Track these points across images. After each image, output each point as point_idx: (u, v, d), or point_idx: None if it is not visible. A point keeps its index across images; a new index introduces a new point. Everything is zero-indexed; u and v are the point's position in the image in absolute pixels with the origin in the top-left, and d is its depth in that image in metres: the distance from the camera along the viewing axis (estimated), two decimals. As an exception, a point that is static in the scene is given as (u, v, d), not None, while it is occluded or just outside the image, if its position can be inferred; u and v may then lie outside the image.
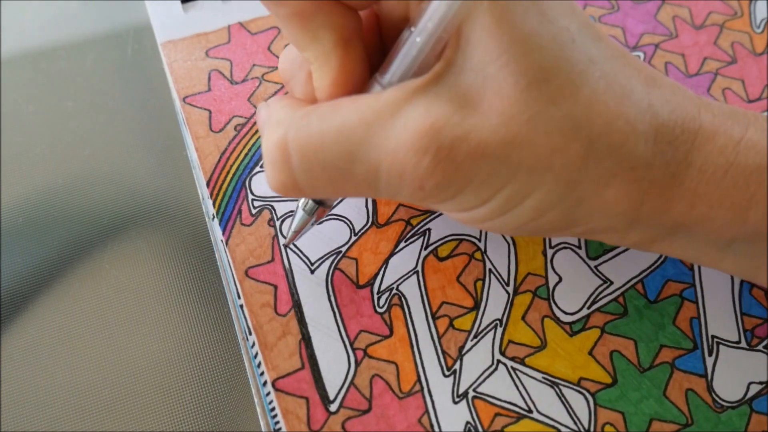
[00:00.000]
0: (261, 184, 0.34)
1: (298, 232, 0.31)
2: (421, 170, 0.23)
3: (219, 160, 0.35)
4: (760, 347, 0.31)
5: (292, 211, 0.33)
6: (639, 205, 0.25)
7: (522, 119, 0.23)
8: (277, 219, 0.33)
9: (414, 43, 0.23)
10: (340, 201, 0.34)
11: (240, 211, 0.33)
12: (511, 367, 0.30)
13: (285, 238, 0.33)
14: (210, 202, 0.34)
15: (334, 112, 0.24)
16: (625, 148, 0.24)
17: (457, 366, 0.30)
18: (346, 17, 0.25)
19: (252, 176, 0.34)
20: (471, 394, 0.30)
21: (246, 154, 0.35)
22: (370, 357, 0.30)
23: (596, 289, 0.32)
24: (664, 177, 0.24)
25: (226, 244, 0.33)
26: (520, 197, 0.24)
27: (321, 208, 0.30)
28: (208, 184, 0.34)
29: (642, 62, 0.26)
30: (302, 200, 0.30)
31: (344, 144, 0.24)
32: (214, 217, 0.33)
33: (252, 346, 0.31)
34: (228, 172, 0.34)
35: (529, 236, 0.33)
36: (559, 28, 0.23)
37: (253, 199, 0.34)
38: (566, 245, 0.33)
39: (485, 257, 0.32)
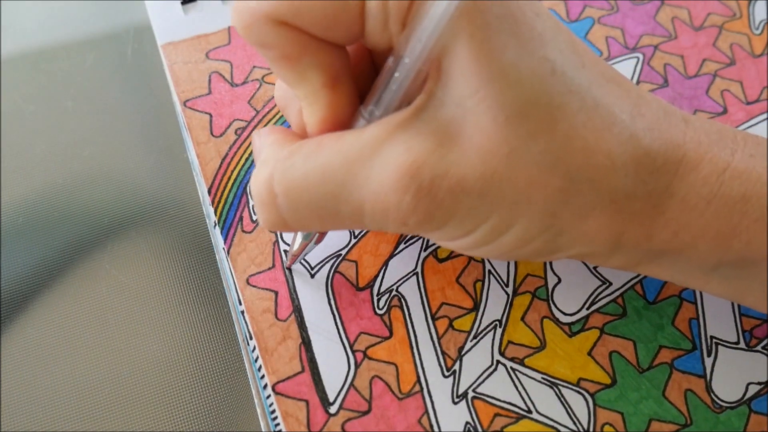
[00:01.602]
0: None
1: (297, 256, 0.31)
2: (404, 208, 0.23)
3: (220, 166, 0.35)
4: (758, 348, 0.31)
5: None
6: (620, 235, 0.25)
7: (501, 155, 0.23)
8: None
9: (394, 78, 0.23)
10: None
11: (241, 218, 0.34)
12: (511, 368, 0.30)
13: (286, 243, 0.33)
14: (211, 208, 0.34)
15: (317, 152, 0.24)
16: (605, 181, 0.24)
17: (456, 366, 0.30)
18: (334, 56, 0.25)
19: (253, 181, 0.34)
20: (470, 394, 0.30)
21: (247, 159, 0.35)
22: (370, 358, 0.30)
23: (595, 289, 0.32)
24: (646, 207, 0.25)
25: (228, 252, 0.33)
26: (503, 229, 0.24)
27: (319, 234, 0.31)
28: (209, 191, 0.34)
29: (630, 83, 0.26)
30: None
31: (328, 185, 0.24)
32: (216, 225, 0.34)
33: (252, 351, 0.31)
34: (229, 178, 0.34)
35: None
36: (539, 59, 0.23)
37: (254, 205, 0.34)
38: (565, 246, 0.33)
39: (484, 258, 0.32)
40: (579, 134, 0.23)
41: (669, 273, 0.27)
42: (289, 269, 0.32)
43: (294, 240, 0.31)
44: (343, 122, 0.26)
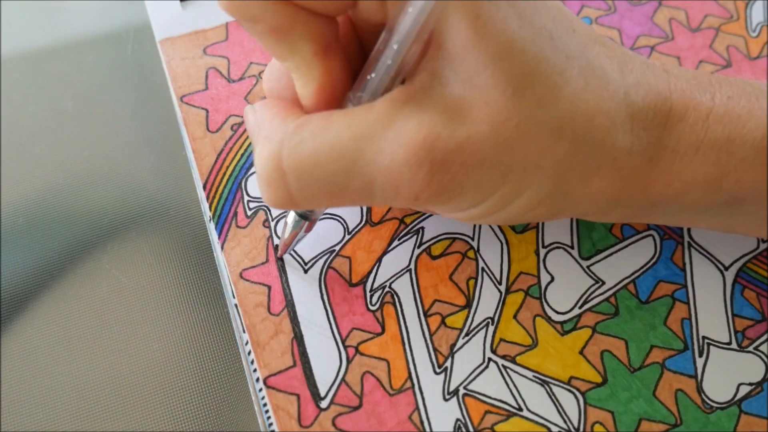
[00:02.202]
0: (256, 185, 0.34)
1: (288, 245, 0.31)
2: (417, 184, 0.24)
3: (215, 162, 0.35)
4: (750, 348, 0.31)
5: (286, 212, 0.33)
6: (621, 191, 0.26)
7: (511, 125, 0.23)
8: (272, 220, 0.33)
9: (390, 48, 0.23)
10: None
11: (236, 214, 0.34)
12: (502, 366, 0.30)
13: (280, 239, 0.33)
14: (207, 204, 0.34)
15: (327, 127, 0.24)
16: (607, 141, 0.25)
17: (448, 363, 0.30)
18: (323, 25, 0.25)
19: (248, 177, 0.34)
20: (461, 391, 0.30)
21: (242, 155, 0.35)
22: (362, 354, 0.30)
23: (588, 288, 0.32)
24: (642, 162, 0.25)
25: (222, 247, 0.33)
26: (513, 196, 0.25)
27: (309, 222, 0.30)
28: (204, 187, 0.34)
29: (612, 42, 0.27)
30: (291, 214, 0.30)
31: (339, 162, 0.24)
32: (210, 220, 0.34)
33: (246, 344, 0.31)
34: (224, 174, 0.35)
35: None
36: (537, 28, 0.24)
37: (248, 201, 0.34)
38: (559, 245, 0.33)
39: (478, 256, 0.32)
40: (581, 98, 0.24)
41: (661, 218, 0.28)
42: (281, 260, 0.32)
43: (284, 230, 0.31)
44: (339, 89, 0.26)
